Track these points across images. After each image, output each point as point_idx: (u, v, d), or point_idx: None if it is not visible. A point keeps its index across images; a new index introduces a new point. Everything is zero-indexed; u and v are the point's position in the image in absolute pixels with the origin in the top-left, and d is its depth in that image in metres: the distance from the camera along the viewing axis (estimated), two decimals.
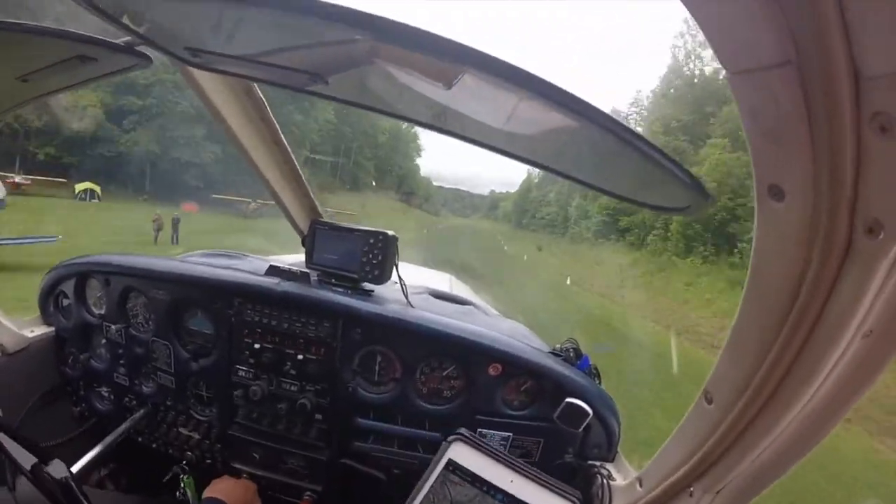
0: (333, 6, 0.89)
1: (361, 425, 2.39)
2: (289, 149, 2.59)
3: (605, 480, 2.09)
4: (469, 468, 1.69)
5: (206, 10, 1.15)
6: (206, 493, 2.21)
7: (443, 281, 4.89)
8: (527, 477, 1.68)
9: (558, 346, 2.49)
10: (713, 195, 1.17)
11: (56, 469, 1.70)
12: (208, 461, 2.63)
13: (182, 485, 2.61)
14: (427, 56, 0.99)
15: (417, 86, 1.14)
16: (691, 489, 1.53)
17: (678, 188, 1.12)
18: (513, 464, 1.70)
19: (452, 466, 1.69)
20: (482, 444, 1.72)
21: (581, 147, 1.25)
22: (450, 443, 1.72)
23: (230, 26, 1.21)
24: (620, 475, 2.16)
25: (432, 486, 1.67)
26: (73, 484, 1.72)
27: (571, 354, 2.40)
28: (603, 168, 1.34)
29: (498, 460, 1.70)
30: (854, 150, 0.79)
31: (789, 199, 0.93)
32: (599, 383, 2.38)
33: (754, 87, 0.84)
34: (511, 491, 1.65)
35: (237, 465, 2.53)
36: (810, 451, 1.24)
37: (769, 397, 1.19)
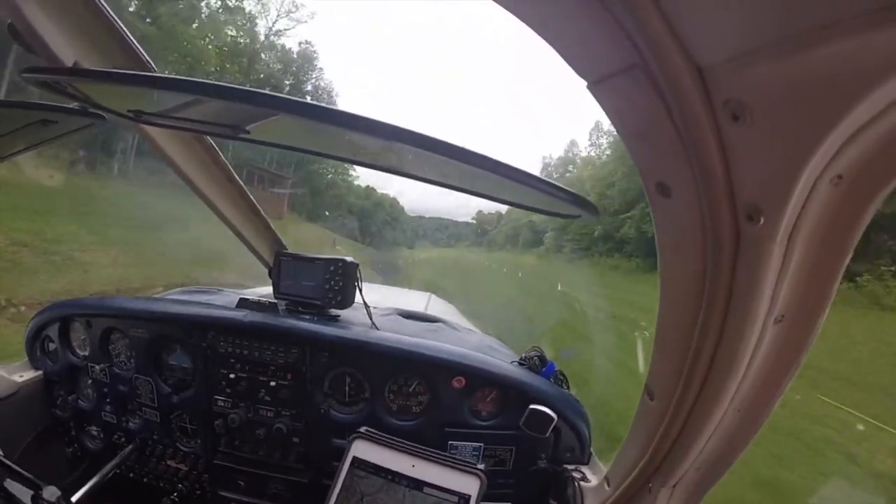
0: (243, 92, 1.02)
1: (338, 445, 2.41)
2: (244, 186, 2.60)
3: (577, 483, 2.11)
4: (372, 461, 1.81)
5: (136, 89, 1.25)
6: None
7: (421, 300, 4.93)
8: (428, 459, 1.78)
9: (524, 354, 2.52)
10: (597, 210, 1.28)
11: (51, 495, 1.77)
12: (198, 492, 2.65)
13: None
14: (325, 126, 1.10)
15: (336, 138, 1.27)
16: (650, 485, 1.54)
17: (569, 205, 1.20)
18: (413, 449, 1.81)
19: (357, 462, 1.82)
20: (381, 437, 1.84)
21: (499, 181, 1.33)
22: (351, 442, 1.85)
23: (159, 93, 1.29)
24: (595, 475, 2.17)
25: (343, 484, 1.78)
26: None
27: (536, 362, 2.42)
28: (517, 193, 1.42)
29: (397, 449, 1.82)
30: (716, 141, 0.79)
31: (675, 194, 0.93)
32: (567, 388, 2.41)
33: (612, 93, 0.85)
34: (414, 475, 1.76)
35: (225, 494, 2.56)
36: (751, 440, 1.25)
37: (700, 388, 1.20)
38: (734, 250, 0.94)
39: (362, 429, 1.87)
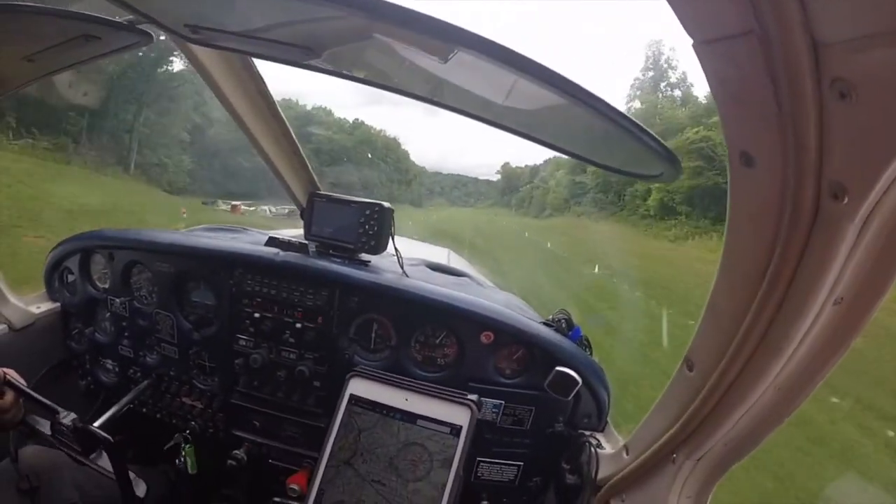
0: None
1: None
2: (287, 123, 2.60)
3: (593, 449, 2.14)
4: (367, 397, 1.89)
5: None
6: None
7: (441, 254, 4.92)
8: (420, 392, 1.85)
9: (550, 317, 2.51)
10: (680, 164, 1.23)
11: (68, 418, 1.84)
12: (211, 430, 2.67)
13: (183, 453, 2.65)
14: (421, 35, 1.02)
15: (414, 60, 1.18)
16: (674, 455, 1.56)
17: (653, 158, 1.18)
18: (405, 384, 1.89)
19: (354, 399, 1.90)
20: (376, 374, 1.93)
21: (568, 121, 1.30)
22: (348, 379, 1.93)
23: (227, 3, 1.25)
24: (609, 444, 2.20)
25: (341, 421, 1.87)
26: (87, 426, 1.84)
27: (563, 325, 2.43)
28: (587, 141, 1.39)
29: (392, 384, 1.90)
30: (816, 116, 0.80)
31: (759, 165, 0.94)
32: (591, 354, 2.41)
33: (719, 57, 0.86)
34: (407, 408, 1.84)
35: (238, 433, 2.58)
36: (785, 419, 1.27)
37: (745, 363, 1.21)
38: (809, 228, 0.95)
39: (358, 367, 1.94)
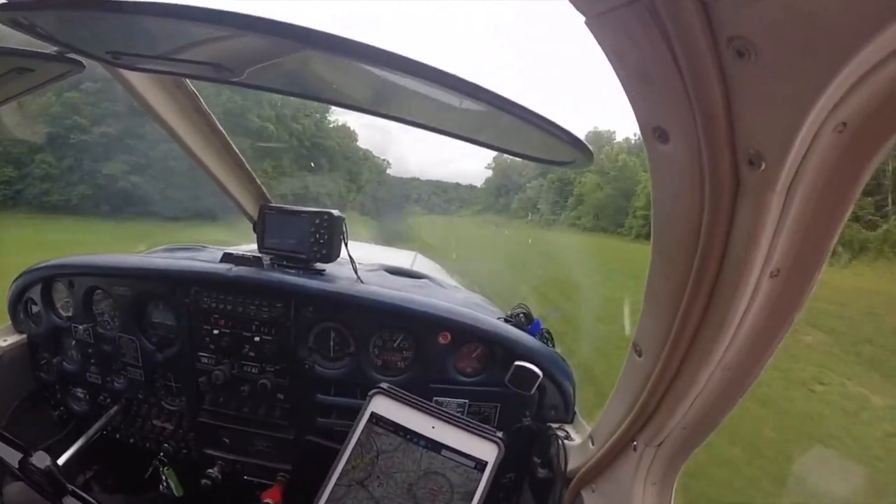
0: (236, 16, 0.93)
1: (322, 401, 2.42)
2: (228, 138, 2.57)
3: (561, 441, 2.12)
4: (391, 419, 1.78)
5: (118, 20, 1.17)
6: None
7: (406, 258, 4.91)
8: (447, 422, 1.76)
9: (510, 312, 2.51)
10: (592, 153, 1.24)
11: (40, 459, 1.74)
12: (184, 451, 2.65)
13: (164, 477, 2.64)
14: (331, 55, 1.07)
15: (329, 69, 1.23)
16: (634, 443, 1.54)
17: (563, 146, 1.19)
18: (433, 411, 1.78)
19: (375, 419, 1.79)
20: (402, 395, 1.81)
21: (481, 118, 1.30)
22: (371, 397, 1.81)
23: (145, 29, 1.24)
24: (579, 434, 2.19)
25: (359, 440, 1.76)
26: (55, 470, 1.73)
27: (522, 319, 2.43)
28: (500, 134, 1.41)
29: (418, 409, 1.79)
30: (719, 81, 0.76)
31: (673, 139, 0.89)
32: (552, 346, 2.41)
33: (613, 29, 0.81)
34: (433, 436, 1.74)
35: (210, 452, 2.55)
36: (738, 400, 1.24)
37: (689, 345, 1.18)
38: (732, 199, 0.91)
39: (383, 384, 1.83)
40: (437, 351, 2.33)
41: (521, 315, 2.44)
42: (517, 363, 2.12)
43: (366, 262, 2.66)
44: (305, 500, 1.77)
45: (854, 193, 0.82)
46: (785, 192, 0.84)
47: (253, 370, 2.43)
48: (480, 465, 1.70)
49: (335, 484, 1.73)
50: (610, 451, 1.67)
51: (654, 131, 0.91)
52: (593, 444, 1.82)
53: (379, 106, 1.41)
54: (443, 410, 1.79)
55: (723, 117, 0.80)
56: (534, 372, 2.09)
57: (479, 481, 1.69)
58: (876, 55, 0.64)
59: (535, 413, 2.33)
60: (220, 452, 2.52)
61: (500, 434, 1.74)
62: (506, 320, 2.43)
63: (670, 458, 1.51)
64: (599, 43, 0.83)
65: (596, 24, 0.81)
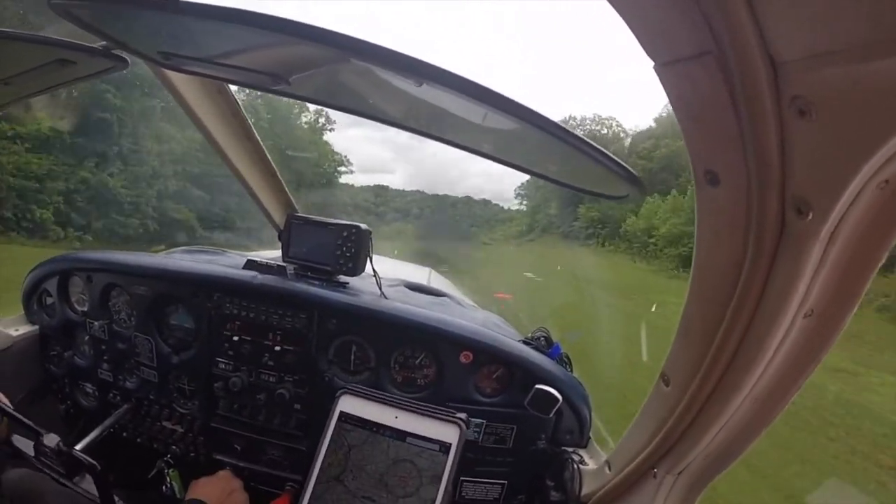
0: (298, 25, 0.96)
1: None
2: (262, 145, 2.61)
3: (576, 465, 2.13)
4: (358, 415, 1.91)
5: (175, 20, 1.19)
6: (189, 495, 2.18)
7: (422, 274, 4.92)
8: (410, 411, 1.87)
9: (530, 334, 2.55)
10: (645, 186, 1.27)
11: (50, 439, 1.81)
12: (192, 454, 2.64)
13: (168, 478, 2.61)
14: (388, 70, 1.06)
15: (386, 85, 1.20)
16: (655, 470, 1.57)
17: (617, 180, 1.22)
18: (395, 402, 1.91)
19: (344, 417, 1.91)
20: (366, 392, 1.94)
21: (537, 147, 1.34)
22: (338, 397, 1.94)
23: (199, 32, 1.27)
24: (592, 460, 2.20)
25: (332, 438, 1.88)
26: (71, 450, 1.81)
27: (542, 342, 2.42)
28: (556, 165, 1.45)
29: (382, 402, 1.92)
30: (777, 134, 0.81)
31: (724, 183, 0.95)
32: (571, 371, 2.42)
33: (679, 77, 0.87)
34: (397, 426, 1.86)
35: (220, 457, 2.54)
36: (763, 432, 1.28)
37: (720, 378, 1.22)
38: (776, 244, 0.96)
39: (348, 385, 1.95)
40: (458, 370, 2.34)
41: (542, 338, 2.45)
42: (538, 386, 2.13)
43: (385, 276, 2.68)
44: None
45: (890, 243, 0.88)
46: (827, 239, 0.89)
47: (271, 379, 2.44)
48: (444, 447, 1.80)
49: (315, 483, 1.84)
50: (628, 478, 1.69)
51: (706, 174, 0.97)
52: (610, 470, 1.84)
53: (429, 127, 1.44)
54: (404, 399, 1.91)
55: (776, 167, 0.85)
56: (554, 396, 2.10)
57: (444, 464, 1.78)
58: None
59: (551, 436, 2.33)
60: (231, 458, 2.52)
61: (460, 415, 1.84)
62: (525, 342, 2.43)
63: (690, 485, 1.54)
64: (665, 89, 0.89)
65: (664, 71, 0.87)
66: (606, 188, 1.35)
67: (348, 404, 1.93)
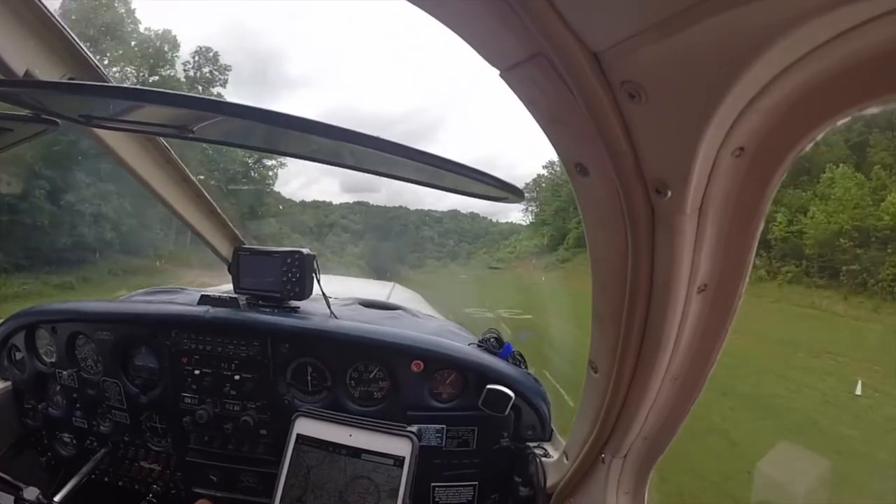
0: (183, 98, 1.16)
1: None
2: (199, 186, 2.63)
3: (539, 459, 2.17)
4: (314, 436, 1.96)
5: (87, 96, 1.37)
6: None
7: (384, 290, 4.94)
8: (363, 428, 1.93)
9: (481, 337, 2.58)
10: (522, 193, 1.37)
11: (30, 493, 1.86)
12: (173, 491, 2.66)
13: None
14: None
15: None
16: (602, 455, 1.59)
17: (497, 190, 1.31)
18: (348, 420, 1.97)
19: (301, 439, 1.97)
20: (320, 413, 2.00)
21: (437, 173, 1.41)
22: (294, 420, 2.00)
23: (110, 101, 1.40)
24: (556, 451, 2.21)
25: (290, 461, 1.94)
26: (50, 502, 1.90)
27: (493, 343, 2.50)
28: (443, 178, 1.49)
29: (335, 422, 1.98)
30: (619, 120, 0.83)
31: (592, 173, 0.97)
32: (525, 368, 2.47)
33: (522, 81, 0.89)
34: (351, 444, 1.91)
35: (199, 490, 2.56)
36: (690, 409, 1.31)
37: (636, 360, 1.24)
38: (650, 225, 0.98)
39: (302, 407, 2.00)
40: (412, 379, 2.37)
41: (493, 339, 2.49)
42: (489, 386, 2.17)
43: (341, 295, 2.70)
44: None
45: (762, 210, 0.89)
46: (696, 215, 0.91)
47: (235, 408, 2.46)
48: (399, 461, 1.86)
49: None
50: (582, 465, 1.72)
51: (575, 167, 0.99)
52: (567, 459, 1.86)
53: (333, 157, 1.54)
54: (356, 418, 1.97)
55: (628, 152, 0.87)
56: (505, 394, 2.14)
57: (400, 477, 1.84)
58: (756, 83, 0.71)
59: (513, 434, 2.36)
60: (209, 490, 2.54)
61: (412, 429, 1.91)
62: (478, 346, 2.48)
63: (637, 467, 1.56)
64: (515, 92, 0.91)
65: (508, 77, 0.89)
66: (492, 192, 1.41)
67: (304, 426, 1.97)
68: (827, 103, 0.73)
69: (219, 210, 2.76)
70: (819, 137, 0.77)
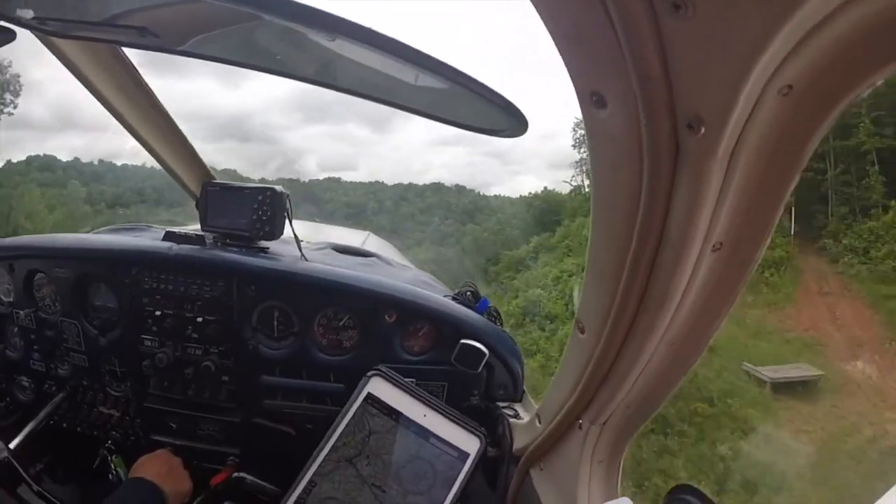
0: None
1: (268, 383, 2.39)
2: (170, 114, 2.52)
3: (507, 420, 2.13)
4: (386, 401, 1.82)
5: None
6: (130, 475, 2.14)
7: (358, 238, 4.89)
8: (439, 412, 1.81)
9: (457, 290, 2.53)
10: (526, 121, 1.23)
11: None
12: (132, 437, 2.59)
13: (113, 465, 2.59)
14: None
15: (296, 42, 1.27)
16: (580, 421, 1.53)
17: (498, 113, 1.21)
18: (427, 400, 1.82)
19: (371, 399, 1.82)
20: (399, 380, 1.84)
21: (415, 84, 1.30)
22: (369, 377, 1.84)
23: None
24: (527, 413, 2.19)
25: (353, 417, 1.80)
26: (9, 456, 1.86)
27: (470, 297, 2.45)
28: (433, 101, 1.42)
29: (413, 396, 1.83)
30: (655, 38, 0.71)
31: (611, 105, 0.85)
32: (500, 325, 2.43)
33: None
34: (424, 424, 1.79)
35: (157, 437, 2.51)
36: (682, 378, 1.24)
37: (632, 322, 1.15)
38: (672, 167, 0.86)
39: (381, 367, 1.86)
40: (384, 330, 2.32)
41: (469, 293, 2.45)
42: (463, 341, 2.13)
43: (314, 240, 2.61)
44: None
45: (801, 163, 0.79)
46: (727, 159, 0.81)
47: (197, 352, 2.39)
48: (463, 455, 1.77)
49: (325, 458, 1.76)
50: (556, 430, 1.67)
51: (591, 96, 0.87)
52: (540, 423, 1.82)
53: (323, 72, 1.43)
54: (435, 400, 1.84)
55: (660, 78, 0.75)
56: (480, 350, 2.11)
57: (460, 470, 1.75)
58: (817, 13, 0.60)
59: (484, 392, 2.33)
60: (168, 438, 2.47)
61: (482, 429, 1.80)
62: (454, 298, 2.43)
63: (616, 436, 1.52)
64: (533, 4, 0.79)
65: None
66: (486, 122, 1.31)
67: (379, 388, 1.86)
68: (889, 45, 0.62)
69: (189, 142, 2.68)
70: (878, 83, 0.66)
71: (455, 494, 1.73)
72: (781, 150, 0.79)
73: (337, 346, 2.39)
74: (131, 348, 2.44)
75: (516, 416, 2.16)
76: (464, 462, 1.76)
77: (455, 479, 1.74)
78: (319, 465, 1.75)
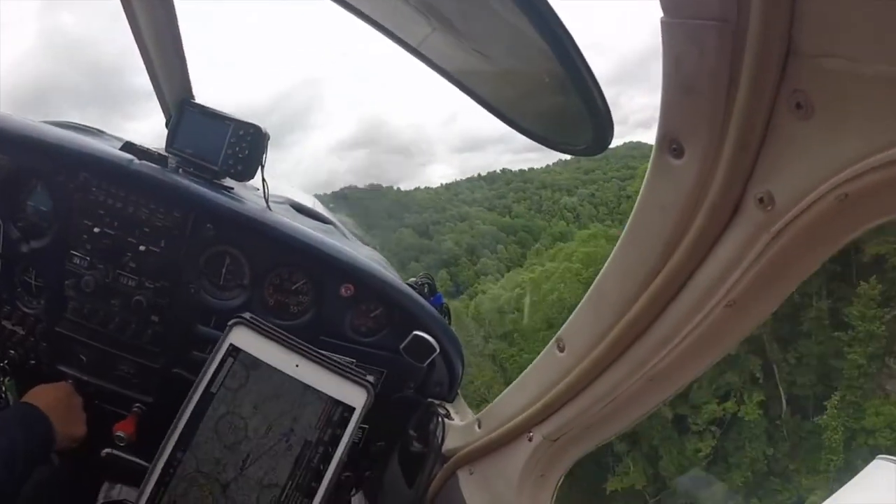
0: None
1: (201, 333, 2.22)
2: (175, 13, 2.18)
3: (441, 418, 2.13)
4: (251, 353, 1.67)
5: None
6: (23, 400, 1.96)
7: (306, 201, 4.72)
8: (314, 361, 1.67)
9: (414, 279, 2.45)
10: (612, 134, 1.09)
11: None
12: (32, 361, 2.29)
13: (3, 388, 2.27)
14: None
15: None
16: (530, 434, 1.56)
17: (586, 122, 1.08)
18: (299, 347, 1.68)
19: (234, 352, 1.67)
20: (265, 328, 1.69)
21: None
22: (231, 326, 1.69)
23: None
24: (458, 415, 2.21)
25: (213, 373, 1.65)
26: None
27: (426, 289, 2.38)
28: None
29: (283, 344, 1.68)
30: (765, 121, 0.79)
31: (688, 157, 0.92)
32: (450, 323, 2.38)
33: (685, 36, 0.82)
34: (296, 376, 1.65)
35: (63, 368, 2.22)
36: (652, 409, 1.31)
37: (621, 353, 1.22)
38: (723, 228, 0.95)
39: (246, 314, 1.71)
40: (336, 302, 2.23)
41: (426, 285, 2.40)
42: (416, 333, 2.09)
43: (271, 192, 2.46)
44: (161, 437, 1.63)
45: (826, 256, 0.90)
46: (774, 235, 0.89)
47: (130, 282, 2.18)
48: (348, 409, 1.63)
49: (185, 425, 1.64)
50: (501, 438, 1.69)
51: (670, 143, 0.94)
52: (480, 428, 1.84)
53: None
54: (309, 348, 1.70)
55: (751, 154, 0.84)
56: (431, 345, 2.07)
57: (344, 428, 1.62)
58: None
59: (420, 386, 2.30)
60: (74, 371, 2.23)
61: (370, 378, 1.67)
62: (410, 287, 2.35)
63: (564, 453, 1.56)
64: (664, 44, 0.84)
65: (671, 25, 0.82)
66: (565, 132, 1.26)
67: (242, 338, 1.69)
68: None
69: (183, 51, 2.37)
70: None
71: (339, 458, 1.60)
72: (819, 240, 0.88)
73: (283, 310, 2.27)
74: (56, 262, 2.19)
75: (448, 415, 2.16)
76: (348, 418, 1.63)
77: (338, 442, 1.61)
78: (181, 434, 1.62)
